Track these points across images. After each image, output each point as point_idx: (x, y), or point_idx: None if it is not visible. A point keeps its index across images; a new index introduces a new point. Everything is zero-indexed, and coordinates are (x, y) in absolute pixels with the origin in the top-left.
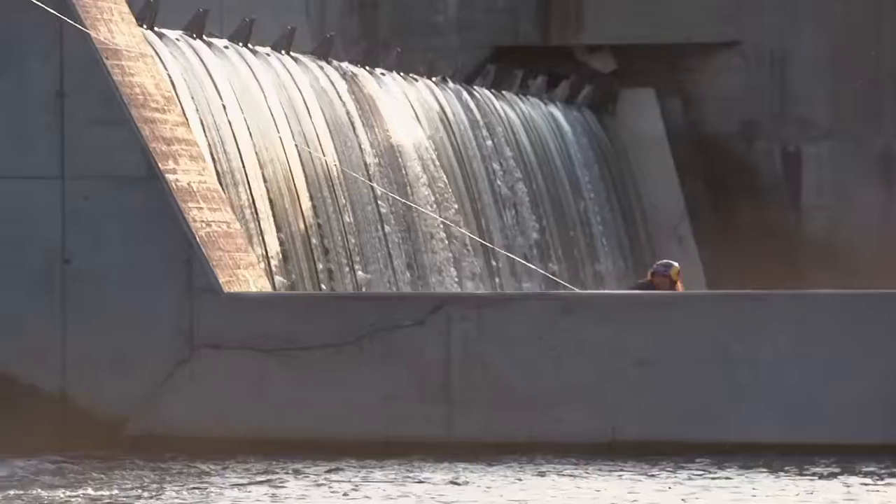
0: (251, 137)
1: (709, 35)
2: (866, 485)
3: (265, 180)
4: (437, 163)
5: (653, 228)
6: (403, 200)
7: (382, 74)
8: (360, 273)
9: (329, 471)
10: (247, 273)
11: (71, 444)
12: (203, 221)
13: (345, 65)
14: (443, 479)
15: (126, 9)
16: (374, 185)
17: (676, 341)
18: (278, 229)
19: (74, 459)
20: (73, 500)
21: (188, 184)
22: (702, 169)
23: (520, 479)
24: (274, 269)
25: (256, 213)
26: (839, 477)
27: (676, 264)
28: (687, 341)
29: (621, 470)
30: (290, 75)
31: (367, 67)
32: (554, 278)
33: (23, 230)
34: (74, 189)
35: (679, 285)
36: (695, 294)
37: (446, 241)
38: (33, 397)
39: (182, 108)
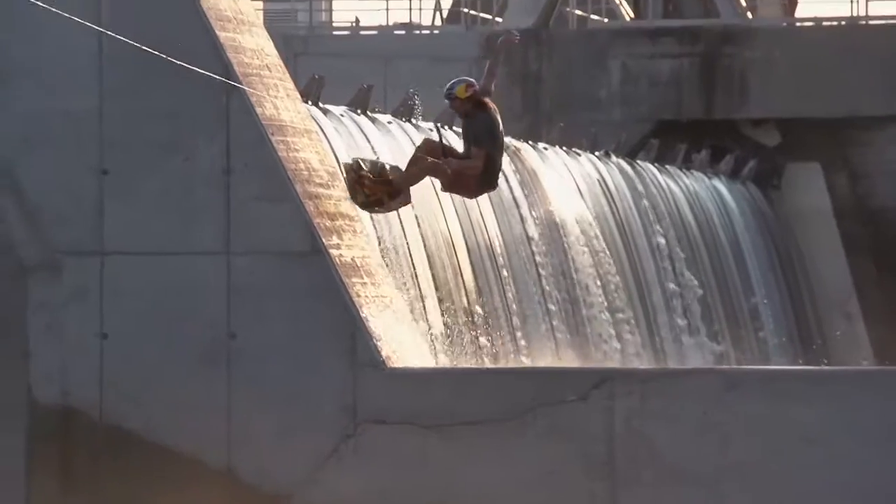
0: (414, 212)
1: (875, 108)
2: None
3: (428, 255)
4: (600, 236)
5: (819, 304)
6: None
7: (545, 148)
8: (522, 348)
9: None
10: (409, 348)
11: None
12: (367, 296)
13: (507, 139)
14: None
15: (291, 85)
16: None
17: (845, 418)
18: (441, 304)
19: None
20: None
21: (352, 259)
22: (869, 244)
23: None
24: (436, 343)
25: (419, 288)
26: None
27: (464, 80)
28: (857, 418)
29: None
30: None
31: (529, 141)
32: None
33: (189, 305)
34: (239, 264)
35: (480, 102)
36: (865, 370)
37: (609, 316)
38: (199, 472)
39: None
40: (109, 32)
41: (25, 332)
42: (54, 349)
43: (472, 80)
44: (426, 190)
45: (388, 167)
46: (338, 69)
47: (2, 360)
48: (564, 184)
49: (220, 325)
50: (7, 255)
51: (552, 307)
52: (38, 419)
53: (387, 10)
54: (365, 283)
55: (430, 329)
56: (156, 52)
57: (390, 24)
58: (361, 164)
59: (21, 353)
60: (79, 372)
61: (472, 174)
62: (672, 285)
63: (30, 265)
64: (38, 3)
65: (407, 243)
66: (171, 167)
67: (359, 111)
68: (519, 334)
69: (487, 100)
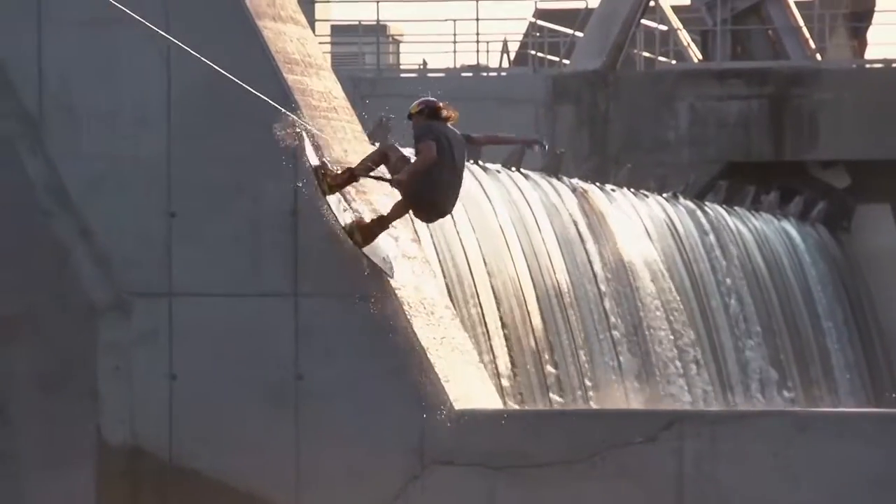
0: (481, 253)
1: None
2: None
3: (495, 295)
4: (668, 278)
5: (891, 347)
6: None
7: (613, 190)
8: (590, 389)
9: None
10: (477, 389)
11: None
12: (433, 337)
13: (575, 181)
14: None
15: (359, 127)
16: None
17: None
18: (508, 345)
19: None
20: None
21: (419, 299)
22: None
23: None
24: (504, 384)
25: (486, 329)
26: None
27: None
28: None
29: None
30: (521, 191)
31: (597, 183)
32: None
33: (257, 346)
34: (306, 305)
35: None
36: None
37: (677, 357)
38: None
39: (413, 225)
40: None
41: (95, 373)
42: (123, 390)
43: (432, 99)
44: (492, 230)
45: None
46: (405, 111)
47: (71, 400)
48: (632, 225)
49: (287, 365)
50: (77, 296)
51: (620, 348)
52: (108, 460)
53: (454, 52)
54: (431, 324)
55: (497, 370)
56: (230, 78)
57: (458, 66)
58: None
59: (90, 393)
60: (148, 413)
61: (421, 168)
62: (741, 326)
63: (99, 307)
64: (110, 43)
65: (474, 284)
66: (238, 209)
67: None
68: (587, 375)
69: (447, 113)
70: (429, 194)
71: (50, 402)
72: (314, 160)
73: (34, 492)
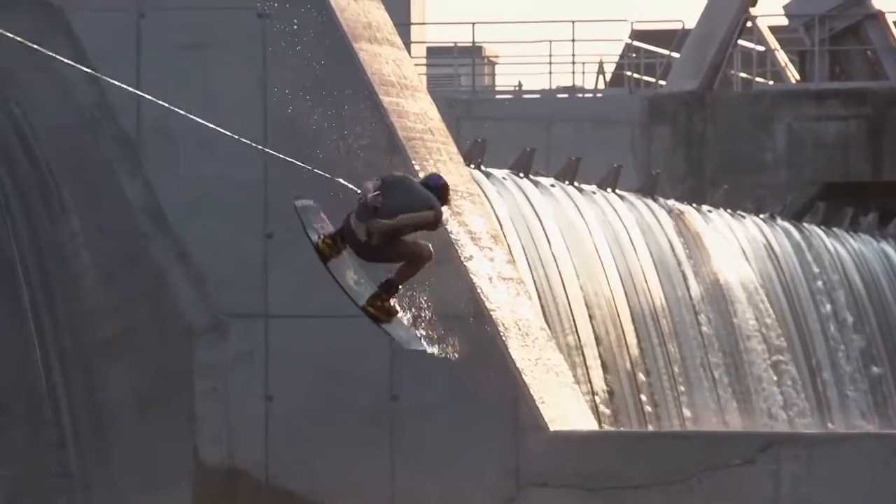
0: (577, 274)
1: None
2: None
3: (591, 317)
4: (765, 299)
5: None
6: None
7: (709, 211)
8: (686, 410)
9: None
10: (572, 410)
11: None
12: (529, 359)
13: (671, 202)
14: None
15: (454, 149)
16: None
17: None
18: (604, 366)
19: None
20: None
21: (515, 322)
22: None
23: None
24: (600, 406)
25: (582, 350)
26: None
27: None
28: None
29: None
30: (616, 213)
31: (693, 204)
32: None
33: (352, 367)
34: None
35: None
36: None
37: (774, 378)
38: None
39: (509, 246)
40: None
41: (192, 394)
42: (220, 411)
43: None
44: (588, 252)
45: None
46: (500, 132)
47: (169, 421)
48: (729, 246)
49: (382, 387)
50: (174, 317)
51: (716, 370)
52: (205, 480)
53: (550, 73)
54: (527, 346)
55: (592, 392)
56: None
57: (553, 87)
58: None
59: (188, 414)
60: (244, 433)
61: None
62: (839, 347)
63: (196, 328)
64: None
65: (570, 305)
66: None
67: (521, 174)
68: (683, 397)
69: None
70: None
71: (148, 423)
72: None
73: None
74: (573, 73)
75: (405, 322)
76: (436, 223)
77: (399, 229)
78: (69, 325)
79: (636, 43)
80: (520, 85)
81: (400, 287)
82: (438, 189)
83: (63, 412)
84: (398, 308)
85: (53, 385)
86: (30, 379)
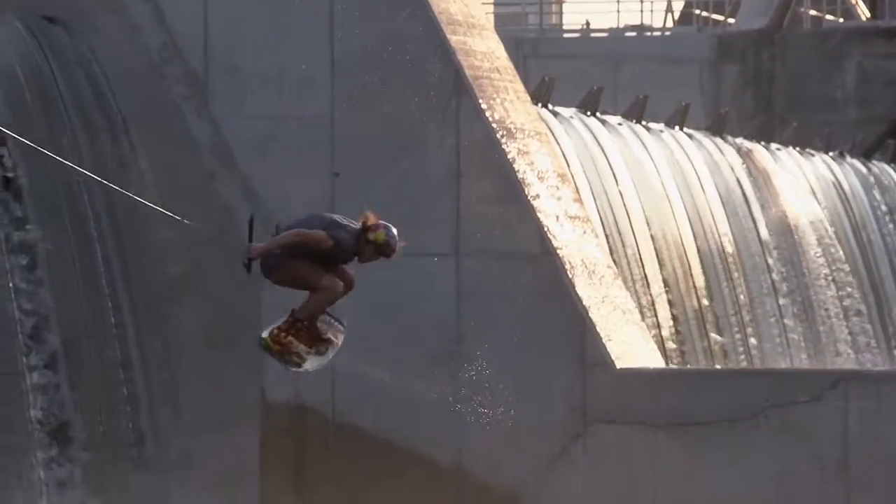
0: (644, 213)
1: None
2: None
3: (658, 255)
4: (834, 237)
5: None
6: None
7: (778, 149)
8: (753, 348)
9: None
10: (639, 348)
11: None
12: (595, 297)
13: (739, 140)
14: None
15: (521, 87)
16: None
17: None
18: (670, 303)
19: None
20: None
21: (581, 260)
22: None
23: None
24: (667, 343)
25: (649, 288)
26: None
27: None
28: None
29: None
30: (684, 151)
31: (762, 142)
32: None
33: (419, 306)
34: (468, 266)
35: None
36: None
37: (842, 316)
38: (430, 471)
39: (576, 184)
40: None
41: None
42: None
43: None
44: (656, 191)
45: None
46: (568, 71)
47: (237, 360)
48: (797, 184)
49: (449, 326)
50: (242, 256)
51: (784, 307)
52: (272, 417)
53: (618, 11)
54: (594, 284)
55: (659, 329)
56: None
57: (621, 26)
58: None
59: (255, 353)
60: (311, 372)
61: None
62: None
63: None
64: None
65: (637, 244)
66: (400, 170)
67: (588, 113)
68: (750, 334)
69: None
70: None
71: (216, 362)
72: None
73: (200, 449)
74: (641, 11)
75: (304, 355)
76: (330, 247)
77: (288, 249)
78: (137, 265)
79: None
80: (587, 23)
81: (305, 321)
82: (368, 230)
83: (131, 351)
84: (296, 343)
85: (122, 325)
86: (99, 319)
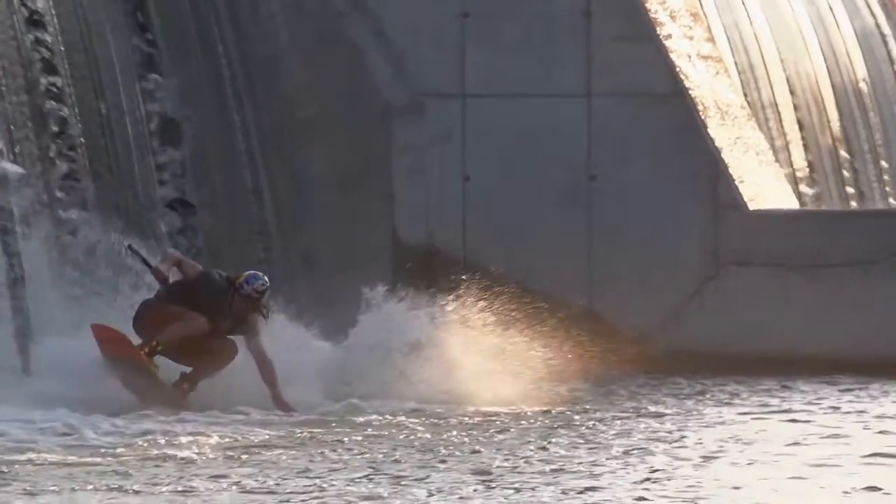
0: (778, 52)
1: None
2: None
3: (792, 95)
4: None
5: None
6: None
7: None
8: (889, 188)
9: (844, 390)
10: (772, 190)
11: (598, 360)
12: (729, 138)
13: None
14: None
15: None
16: None
17: None
18: (805, 145)
19: (610, 379)
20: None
21: (714, 100)
22: None
23: None
24: (800, 184)
25: (783, 129)
26: None
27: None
28: None
29: None
30: None
31: None
32: None
33: (549, 147)
34: (600, 106)
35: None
36: None
37: None
38: (562, 314)
39: (708, 23)
40: None
41: (390, 174)
42: (418, 191)
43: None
44: (790, 29)
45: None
46: None
47: (368, 201)
48: None
49: (579, 167)
50: (372, 98)
51: None
52: (403, 258)
53: None
54: (726, 125)
55: (793, 170)
56: None
57: None
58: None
59: (386, 194)
60: (442, 213)
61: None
62: None
63: (394, 108)
64: None
65: (770, 83)
66: (530, 10)
67: None
68: (886, 176)
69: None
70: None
71: (347, 203)
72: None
73: (331, 289)
74: None
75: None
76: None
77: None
78: (269, 107)
79: None
80: None
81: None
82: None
83: (264, 193)
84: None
85: (255, 167)
86: (232, 163)
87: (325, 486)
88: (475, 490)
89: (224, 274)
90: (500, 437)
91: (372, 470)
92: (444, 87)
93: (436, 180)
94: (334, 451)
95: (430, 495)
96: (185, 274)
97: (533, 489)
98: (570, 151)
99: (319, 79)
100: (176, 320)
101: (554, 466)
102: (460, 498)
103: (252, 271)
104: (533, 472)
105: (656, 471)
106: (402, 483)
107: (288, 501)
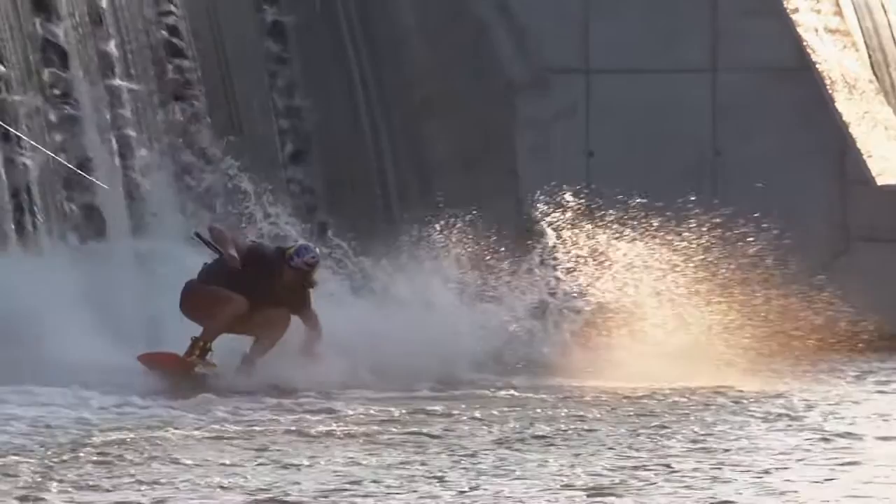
0: None
1: None
2: None
3: None
4: None
5: None
6: None
7: None
8: None
9: None
10: None
11: None
12: (856, 113)
13: None
14: None
15: None
16: None
17: None
18: None
19: None
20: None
21: (841, 74)
22: None
23: None
24: None
25: None
26: None
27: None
28: None
29: None
30: None
31: None
32: None
33: (674, 122)
34: (726, 81)
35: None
36: None
37: None
38: None
39: None
40: None
41: (514, 151)
42: (542, 167)
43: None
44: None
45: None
46: None
47: (492, 177)
48: None
49: (705, 142)
50: (495, 73)
51: None
52: (527, 234)
53: None
54: (854, 100)
55: None
56: None
57: None
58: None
59: (509, 171)
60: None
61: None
62: None
63: (517, 83)
64: None
65: None
66: None
67: None
68: None
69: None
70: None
71: (471, 179)
72: None
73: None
74: None
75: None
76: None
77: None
78: (393, 86)
79: None
80: None
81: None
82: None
83: (388, 174)
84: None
85: (379, 147)
86: (356, 142)
87: None
88: None
89: (274, 246)
90: None
91: None
92: (567, 62)
93: (559, 156)
94: None
95: None
96: (237, 248)
97: None
98: (694, 127)
99: (444, 57)
100: (213, 304)
101: None
102: None
103: (303, 243)
104: None
105: None
106: None
107: None
